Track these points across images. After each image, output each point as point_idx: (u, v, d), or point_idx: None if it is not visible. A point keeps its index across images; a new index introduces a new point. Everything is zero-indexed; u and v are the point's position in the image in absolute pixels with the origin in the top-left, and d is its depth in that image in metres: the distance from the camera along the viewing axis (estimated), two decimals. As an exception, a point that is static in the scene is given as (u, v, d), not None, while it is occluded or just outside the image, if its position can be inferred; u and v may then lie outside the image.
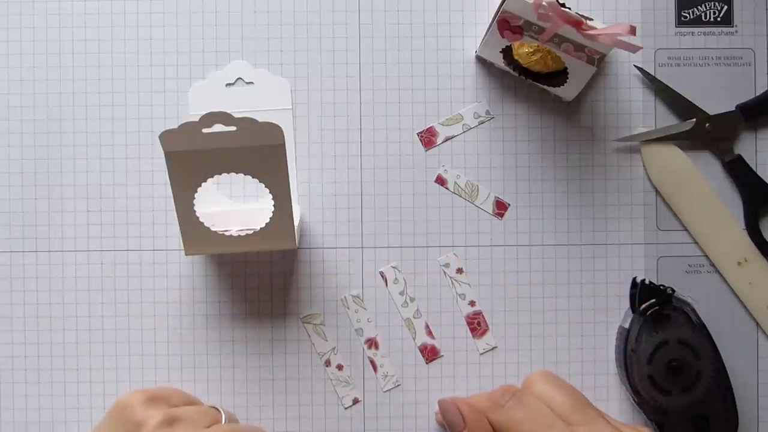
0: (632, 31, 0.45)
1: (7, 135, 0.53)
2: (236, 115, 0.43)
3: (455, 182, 0.54)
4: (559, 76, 0.51)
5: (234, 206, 0.53)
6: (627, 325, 0.51)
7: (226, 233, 0.47)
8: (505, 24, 0.48)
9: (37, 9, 0.53)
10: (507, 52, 0.51)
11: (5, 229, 0.53)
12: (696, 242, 0.54)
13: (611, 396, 0.53)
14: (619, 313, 0.53)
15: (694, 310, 0.51)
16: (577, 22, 0.46)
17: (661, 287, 0.51)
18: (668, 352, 0.50)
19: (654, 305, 0.51)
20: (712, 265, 0.54)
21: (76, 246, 0.53)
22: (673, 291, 0.51)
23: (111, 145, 0.53)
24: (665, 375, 0.50)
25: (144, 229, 0.53)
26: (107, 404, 0.53)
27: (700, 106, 0.53)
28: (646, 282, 0.51)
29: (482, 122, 0.54)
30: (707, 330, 0.51)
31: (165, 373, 0.53)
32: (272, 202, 0.46)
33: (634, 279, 0.52)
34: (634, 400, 0.52)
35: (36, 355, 0.53)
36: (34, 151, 0.53)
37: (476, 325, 0.53)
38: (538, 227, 0.54)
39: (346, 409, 0.53)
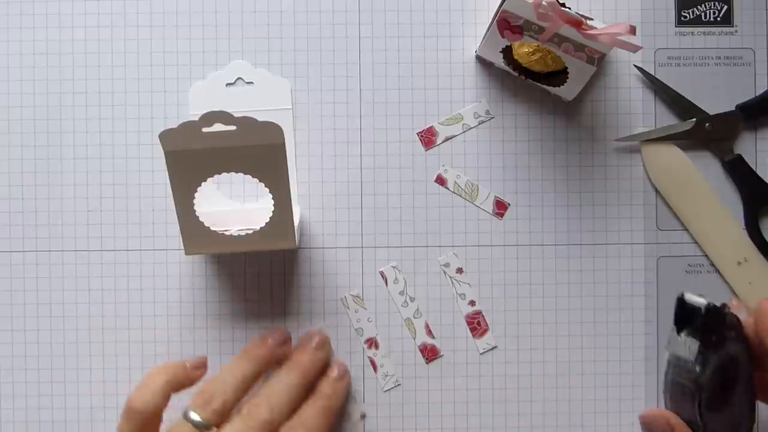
0: (632, 30, 0.45)
1: (7, 135, 0.53)
2: (236, 115, 0.43)
3: (455, 182, 0.54)
4: (559, 76, 0.51)
5: (234, 206, 0.53)
6: (682, 353, 0.43)
7: (226, 233, 0.47)
8: (505, 24, 0.48)
9: (37, 9, 0.53)
10: (507, 52, 0.51)
11: (5, 229, 0.53)
12: (696, 242, 0.54)
13: (611, 396, 0.53)
14: (619, 313, 0.53)
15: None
16: (577, 22, 0.46)
17: (720, 310, 0.43)
18: (722, 371, 0.43)
19: (714, 331, 0.43)
20: (712, 265, 0.54)
21: (76, 246, 0.53)
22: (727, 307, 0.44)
23: (111, 145, 0.53)
24: (718, 394, 0.43)
25: (144, 229, 0.53)
26: (107, 404, 0.53)
27: (700, 106, 0.53)
28: (711, 306, 0.42)
29: (482, 122, 0.54)
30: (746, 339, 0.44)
31: (165, 373, 0.53)
32: (272, 202, 0.46)
33: (692, 307, 0.43)
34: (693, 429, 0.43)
35: (36, 355, 0.53)
36: (34, 151, 0.53)
37: (476, 325, 0.53)
38: (538, 227, 0.54)
39: (346, 409, 0.53)
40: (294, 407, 0.48)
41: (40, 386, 0.53)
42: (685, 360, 0.43)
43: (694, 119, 0.53)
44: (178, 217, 0.46)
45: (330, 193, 0.53)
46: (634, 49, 0.46)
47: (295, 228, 0.47)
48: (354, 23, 0.54)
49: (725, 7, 0.54)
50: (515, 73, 0.52)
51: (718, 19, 0.54)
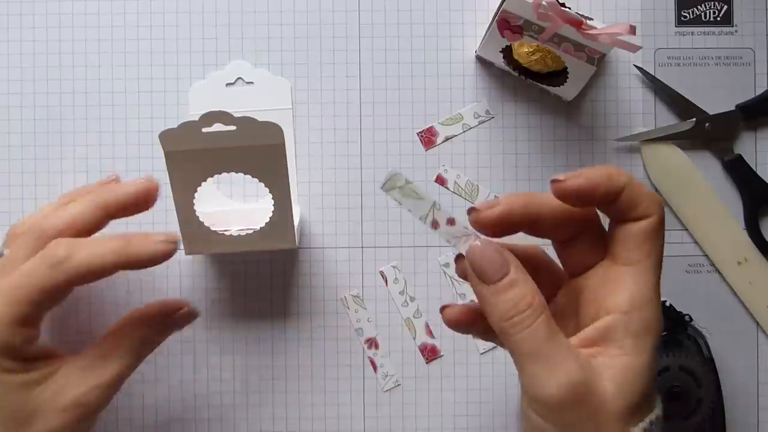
0: (632, 30, 0.45)
1: (7, 135, 0.53)
2: (236, 115, 0.43)
3: (455, 182, 0.54)
4: (559, 76, 0.51)
5: (234, 206, 0.53)
6: None
7: (226, 233, 0.47)
8: (505, 24, 0.48)
9: (37, 9, 0.53)
10: (507, 52, 0.51)
11: (5, 229, 0.53)
12: (696, 242, 0.54)
13: (611, 396, 0.53)
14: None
15: (706, 344, 0.51)
16: (577, 22, 0.46)
17: (680, 313, 0.51)
18: (669, 378, 0.49)
19: (668, 329, 0.50)
20: (712, 265, 0.54)
21: (76, 246, 0.53)
22: (691, 319, 0.50)
23: (111, 145, 0.53)
24: (666, 401, 0.48)
25: (144, 229, 0.53)
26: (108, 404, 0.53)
27: (700, 106, 0.53)
28: (667, 304, 0.51)
29: (482, 122, 0.54)
30: (715, 365, 0.50)
31: (165, 372, 0.53)
32: (272, 202, 0.46)
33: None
34: None
35: (36, 355, 0.53)
36: (34, 151, 0.53)
37: (476, 325, 0.53)
38: (538, 227, 0.54)
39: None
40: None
41: (40, 386, 0.53)
42: None
43: (694, 119, 0.53)
44: (178, 217, 0.46)
45: (330, 193, 0.53)
46: (634, 49, 0.46)
47: (295, 228, 0.47)
48: (354, 23, 0.54)
49: (725, 7, 0.54)
50: (515, 73, 0.52)
51: (718, 19, 0.54)
